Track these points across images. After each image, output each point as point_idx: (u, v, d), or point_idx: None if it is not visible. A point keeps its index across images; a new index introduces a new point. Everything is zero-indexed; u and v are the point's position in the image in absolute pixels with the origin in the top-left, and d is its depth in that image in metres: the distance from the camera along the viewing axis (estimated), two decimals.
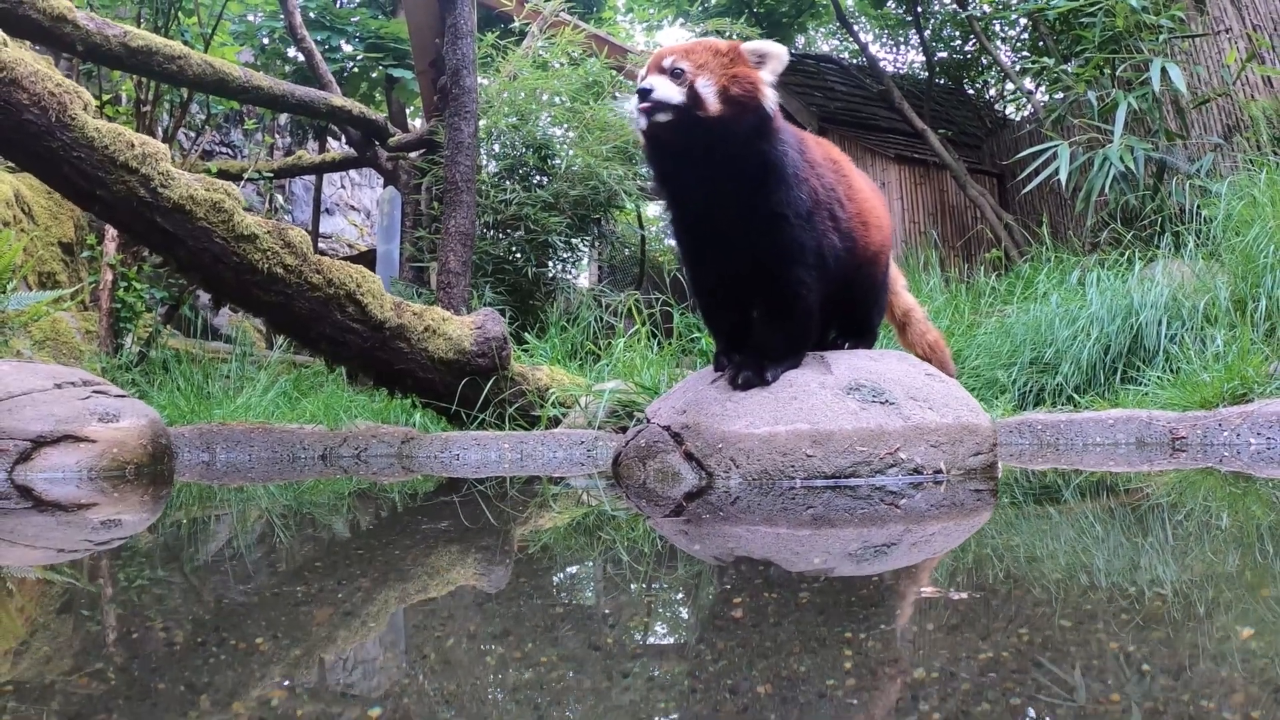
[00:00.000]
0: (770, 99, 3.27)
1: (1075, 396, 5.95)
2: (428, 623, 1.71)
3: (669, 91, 3.14)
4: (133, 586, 2.00)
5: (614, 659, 1.43)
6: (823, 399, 3.26)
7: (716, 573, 2.07)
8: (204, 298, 11.71)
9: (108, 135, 4.59)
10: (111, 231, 7.93)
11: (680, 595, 1.83)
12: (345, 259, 5.84)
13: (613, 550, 2.41)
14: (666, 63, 3.21)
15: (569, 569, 2.21)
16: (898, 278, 4.44)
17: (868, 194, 3.95)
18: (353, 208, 21.29)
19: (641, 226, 13.28)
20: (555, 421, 5.55)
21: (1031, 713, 1.16)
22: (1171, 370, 5.62)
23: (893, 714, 1.18)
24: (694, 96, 3.15)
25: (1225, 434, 4.22)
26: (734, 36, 14.45)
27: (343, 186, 20.75)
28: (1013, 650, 1.40)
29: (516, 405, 5.64)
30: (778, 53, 3.31)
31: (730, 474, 3.18)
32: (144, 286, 8.36)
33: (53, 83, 4.50)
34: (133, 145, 4.64)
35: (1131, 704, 1.16)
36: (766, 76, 3.29)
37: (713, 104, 3.16)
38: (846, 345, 3.96)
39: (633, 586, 1.94)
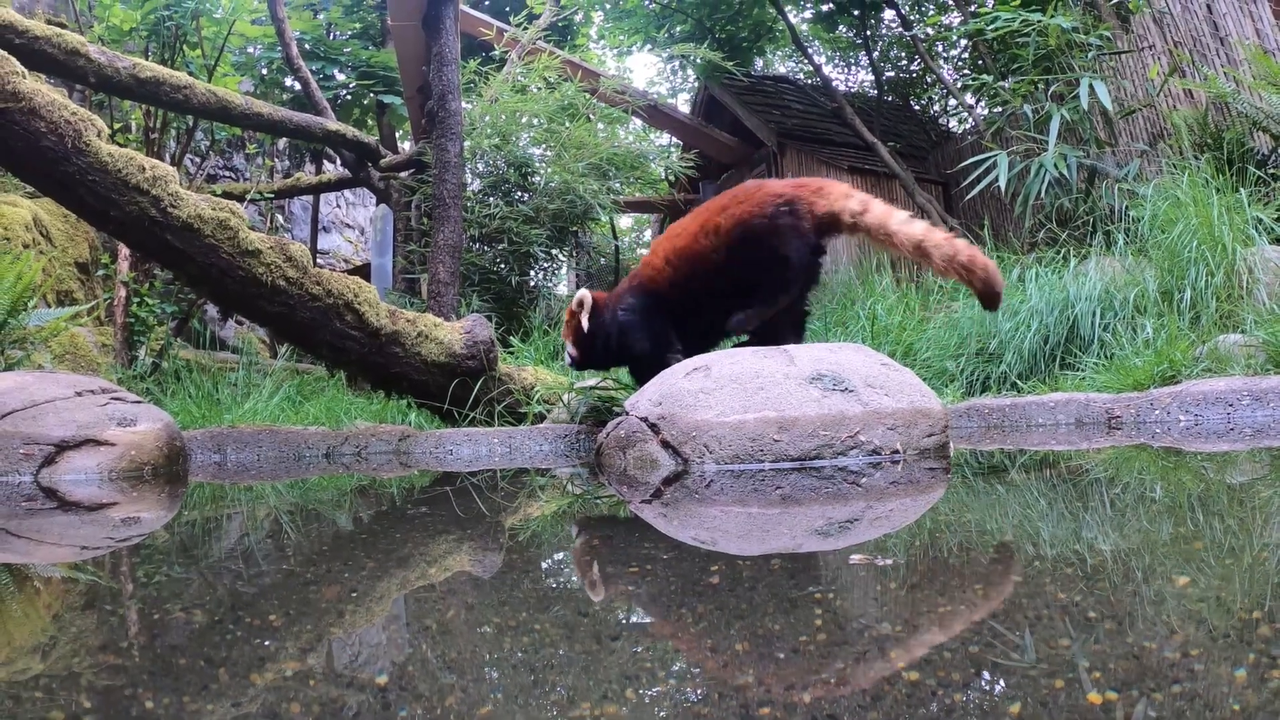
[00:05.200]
0: (585, 322, 4.74)
1: (1018, 383, 5.97)
2: (429, 597, 1.71)
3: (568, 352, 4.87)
4: (154, 577, 1.99)
5: (602, 625, 1.44)
6: (787, 388, 3.28)
7: (694, 547, 2.08)
8: (212, 312, 11.66)
9: (120, 160, 4.57)
10: (125, 250, 7.90)
11: (660, 568, 1.84)
12: (343, 273, 5.83)
13: (597, 530, 2.42)
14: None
15: (557, 548, 2.21)
16: (890, 214, 4.15)
17: (698, 222, 4.49)
18: (348, 225, 21.20)
19: (615, 237, 13.30)
20: (540, 418, 5.54)
21: (990, 659, 1.18)
22: (1106, 356, 5.65)
23: (861, 663, 1.19)
24: (572, 354, 4.85)
25: (1156, 413, 4.25)
26: (697, 60, 14.51)
27: (338, 206, 20.65)
28: (970, 605, 1.42)
29: (504, 403, 5.64)
30: (582, 296, 4.78)
31: (704, 459, 3.18)
32: (155, 302, 8.32)
33: (68, 111, 4.47)
34: (144, 169, 4.61)
35: (1081, 649, 1.18)
36: (584, 316, 4.73)
37: (572, 352, 4.83)
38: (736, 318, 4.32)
39: (616, 561, 1.94)
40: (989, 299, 4.12)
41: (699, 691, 1.13)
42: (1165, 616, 1.32)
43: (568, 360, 4.94)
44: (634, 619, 1.49)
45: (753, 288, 4.21)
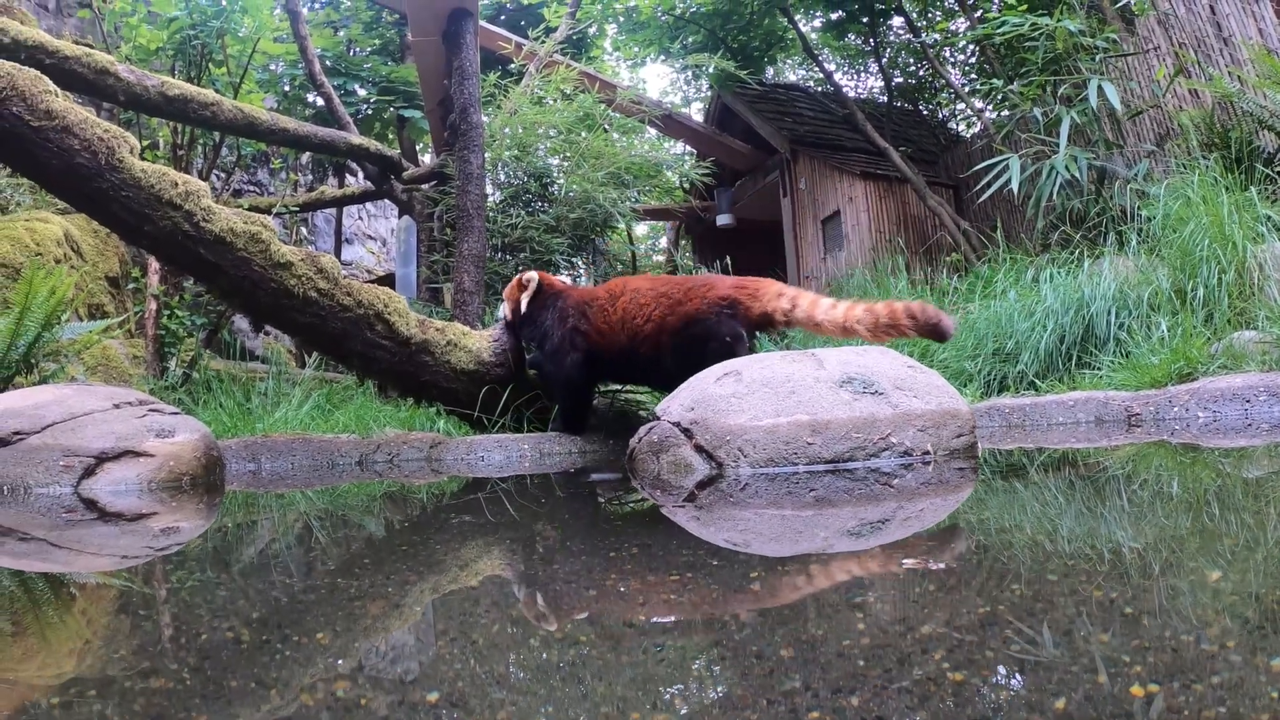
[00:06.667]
0: (524, 303, 5.27)
1: (1036, 382, 5.95)
2: (473, 609, 1.70)
3: (502, 311, 5.48)
4: (196, 588, 1.98)
5: (648, 634, 1.42)
6: (818, 392, 3.26)
7: (732, 551, 2.07)
8: (241, 323, 11.68)
9: (153, 175, 4.58)
10: (154, 264, 7.91)
11: (703, 573, 1.82)
12: (367, 283, 5.84)
13: (635, 535, 2.40)
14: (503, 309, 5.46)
15: (596, 554, 2.19)
16: (815, 305, 4.57)
17: (643, 292, 4.94)
18: (370, 237, 21.27)
19: (631, 243, 13.29)
20: None
21: (1031, 658, 1.17)
22: (1122, 355, 5.63)
23: (906, 665, 1.17)
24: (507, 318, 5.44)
25: (1175, 409, 4.23)
26: (711, 70, 14.50)
27: (360, 218, 20.73)
28: (1008, 604, 1.40)
29: (533, 409, 5.63)
30: (530, 277, 5.29)
31: (739, 463, 3.17)
32: (185, 314, 8.33)
33: (101, 128, 4.48)
34: (176, 184, 4.62)
35: (1120, 642, 1.17)
36: (524, 296, 5.24)
37: (508, 316, 5.42)
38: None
39: (659, 568, 1.93)
40: (935, 334, 4.38)
41: (748, 696, 1.11)
42: (1199, 610, 1.32)
43: (500, 314, 5.56)
44: (680, 625, 1.47)
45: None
